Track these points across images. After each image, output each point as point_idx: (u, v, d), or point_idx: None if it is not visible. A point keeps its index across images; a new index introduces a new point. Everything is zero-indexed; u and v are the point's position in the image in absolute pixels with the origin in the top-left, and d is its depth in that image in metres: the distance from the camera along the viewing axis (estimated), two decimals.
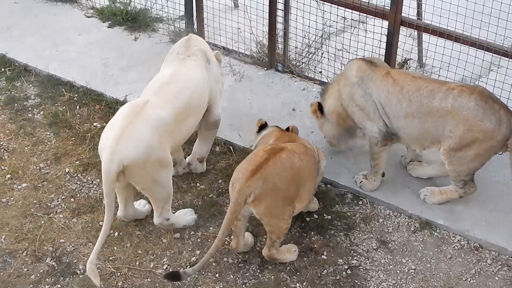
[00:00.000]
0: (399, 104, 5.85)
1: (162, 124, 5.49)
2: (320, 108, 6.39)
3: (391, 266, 5.75)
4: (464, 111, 5.68)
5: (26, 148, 6.74)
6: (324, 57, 7.42)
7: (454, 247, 5.88)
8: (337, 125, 6.38)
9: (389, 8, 6.61)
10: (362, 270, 5.71)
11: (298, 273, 5.67)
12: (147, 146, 5.35)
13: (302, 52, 7.57)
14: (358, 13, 6.92)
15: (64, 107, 7.18)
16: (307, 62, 7.59)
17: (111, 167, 5.26)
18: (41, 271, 5.68)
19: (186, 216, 5.99)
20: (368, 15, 6.96)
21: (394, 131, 5.99)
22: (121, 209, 5.92)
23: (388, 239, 5.95)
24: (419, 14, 7.02)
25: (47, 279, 5.62)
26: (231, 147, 6.71)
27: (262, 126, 6.07)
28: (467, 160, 5.80)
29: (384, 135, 6.02)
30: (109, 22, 8.38)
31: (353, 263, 5.75)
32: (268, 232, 5.50)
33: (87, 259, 5.31)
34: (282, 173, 5.34)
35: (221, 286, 5.57)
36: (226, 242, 5.85)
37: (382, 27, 6.86)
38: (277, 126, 6.06)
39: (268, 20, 7.38)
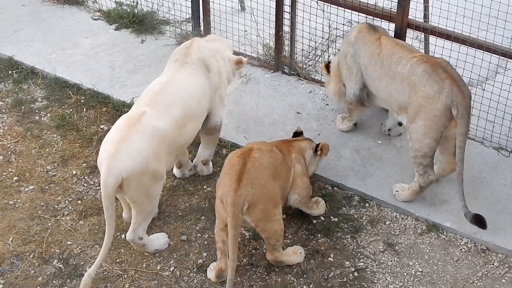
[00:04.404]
0: (375, 66, 6.15)
1: (158, 135, 5.45)
2: (328, 66, 6.85)
3: (398, 269, 5.74)
4: (413, 76, 5.85)
5: (33, 151, 6.75)
6: (330, 60, 7.42)
7: (461, 249, 5.87)
8: (336, 80, 6.74)
9: (396, 10, 6.62)
10: (369, 272, 5.71)
11: (305, 276, 5.66)
12: (144, 157, 5.32)
13: (309, 55, 7.57)
14: (365, 15, 6.92)
15: (71, 110, 7.20)
16: (313, 65, 7.59)
17: (109, 181, 5.22)
18: (48, 273, 5.69)
19: (158, 240, 5.85)
20: (375, 18, 6.96)
21: (371, 92, 6.31)
22: (125, 212, 5.94)
23: (395, 241, 5.94)
24: (426, 16, 7.02)
25: (54, 281, 5.63)
26: None
27: (297, 134, 6.18)
28: (420, 134, 5.83)
29: (357, 99, 6.48)
30: (116, 24, 8.39)
31: (360, 266, 5.75)
32: (266, 238, 5.50)
33: (94, 261, 5.33)
34: (263, 172, 5.37)
35: None
36: None
37: (389, 30, 6.85)
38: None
39: (274, 23, 7.39)
